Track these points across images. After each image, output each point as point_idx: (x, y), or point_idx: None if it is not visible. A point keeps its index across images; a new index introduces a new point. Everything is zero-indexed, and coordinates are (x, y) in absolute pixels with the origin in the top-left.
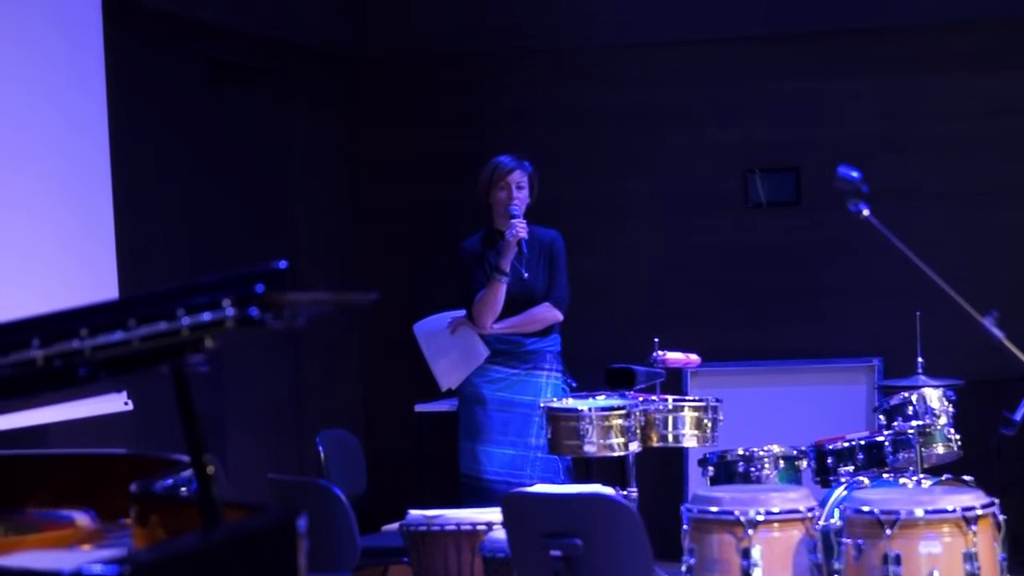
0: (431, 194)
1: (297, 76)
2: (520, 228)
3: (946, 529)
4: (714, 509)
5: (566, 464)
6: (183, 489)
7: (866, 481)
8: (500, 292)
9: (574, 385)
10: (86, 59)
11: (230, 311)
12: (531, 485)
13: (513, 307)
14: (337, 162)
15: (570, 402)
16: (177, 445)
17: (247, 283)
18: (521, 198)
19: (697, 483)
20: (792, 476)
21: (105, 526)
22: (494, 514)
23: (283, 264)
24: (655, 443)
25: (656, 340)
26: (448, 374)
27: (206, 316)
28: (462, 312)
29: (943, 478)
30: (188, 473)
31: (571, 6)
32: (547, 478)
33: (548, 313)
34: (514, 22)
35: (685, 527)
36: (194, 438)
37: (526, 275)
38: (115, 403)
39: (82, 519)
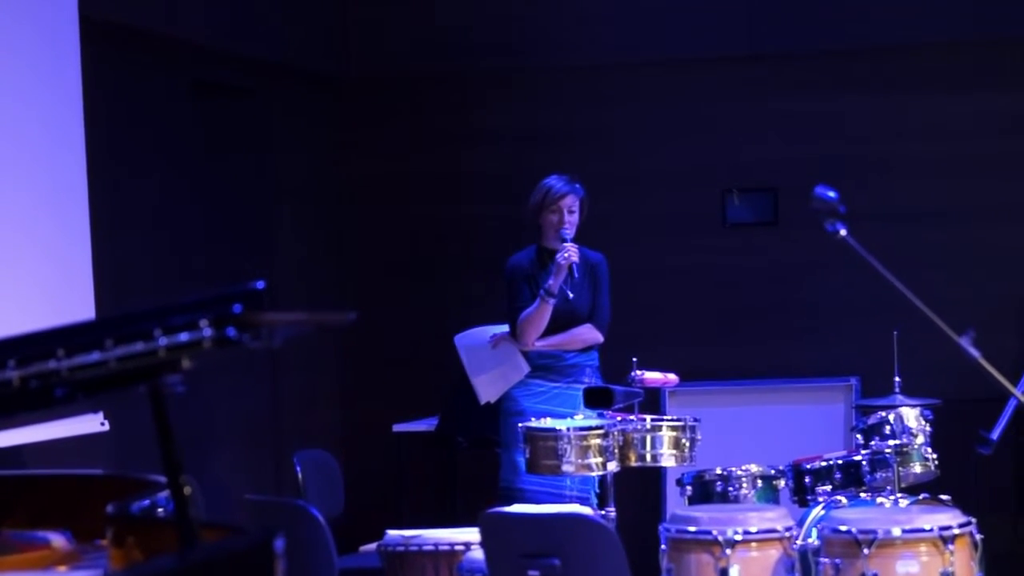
0: (412, 213)
1: (280, 96)
2: (572, 252)
3: (923, 548)
4: (692, 529)
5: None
6: (160, 510)
7: (844, 500)
8: (547, 312)
9: None
10: (64, 77)
11: (207, 331)
12: (570, 496)
13: (556, 326)
14: (319, 181)
15: (548, 422)
16: (154, 466)
17: (225, 303)
18: (572, 221)
19: (675, 502)
20: (770, 495)
21: (81, 547)
22: (472, 534)
23: (261, 284)
24: (633, 463)
25: (634, 360)
26: (488, 388)
27: (183, 336)
28: (503, 326)
29: (920, 497)
30: (165, 494)
31: (552, 26)
32: (584, 491)
33: (590, 334)
34: (495, 42)
35: (663, 547)
36: (171, 458)
37: (571, 296)
38: (92, 423)
39: (58, 540)
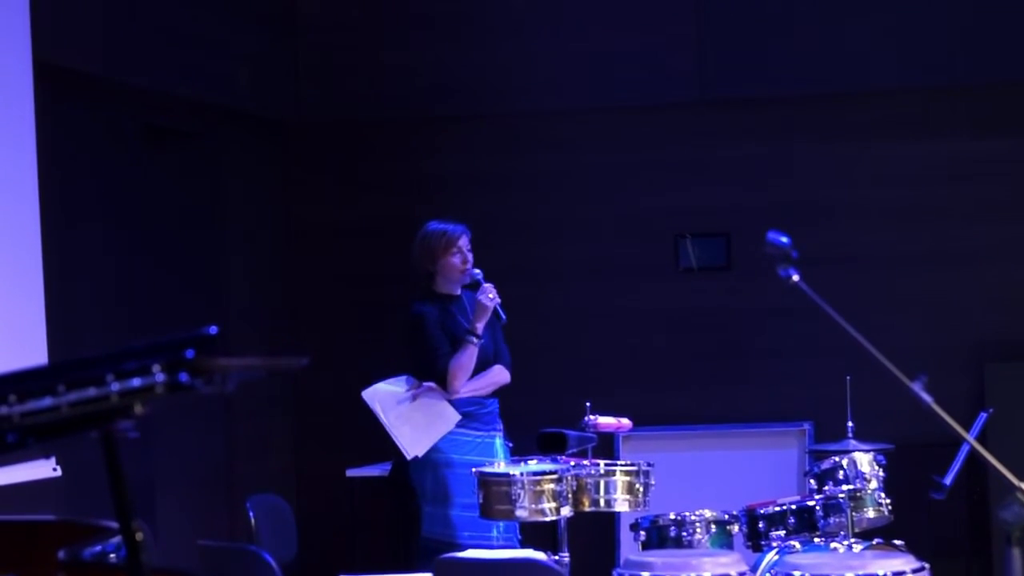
0: (363, 259)
1: (231, 141)
2: (495, 293)
3: None
4: (646, 574)
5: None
6: (112, 556)
7: (797, 546)
8: (475, 355)
9: (511, 446)
10: (17, 121)
11: (160, 376)
12: (497, 546)
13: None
14: (271, 226)
15: (502, 466)
16: (106, 511)
17: (177, 348)
18: (471, 260)
19: (629, 548)
20: (724, 541)
21: None
22: None
23: (213, 329)
24: (587, 508)
25: (588, 404)
26: (417, 441)
27: (136, 382)
28: (401, 379)
29: (874, 542)
30: (117, 540)
31: (504, 72)
32: (509, 539)
33: (502, 376)
34: (448, 88)
35: None
36: (123, 504)
37: (483, 339)
38: (44, 469)
39: None
